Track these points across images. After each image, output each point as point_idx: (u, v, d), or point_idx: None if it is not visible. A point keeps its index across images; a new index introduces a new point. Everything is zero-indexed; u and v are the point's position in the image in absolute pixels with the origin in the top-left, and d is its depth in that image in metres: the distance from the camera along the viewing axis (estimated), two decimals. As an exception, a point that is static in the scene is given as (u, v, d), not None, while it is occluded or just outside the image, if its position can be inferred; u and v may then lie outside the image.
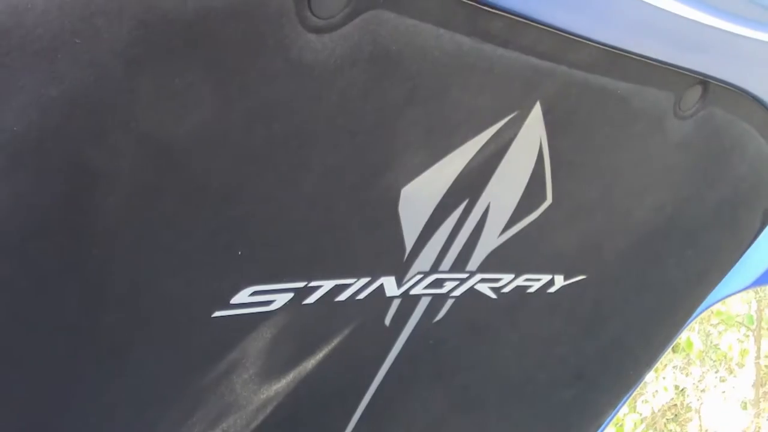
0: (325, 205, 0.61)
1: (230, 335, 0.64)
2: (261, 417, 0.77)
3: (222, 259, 0.59)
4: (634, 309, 0.98)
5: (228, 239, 0.58)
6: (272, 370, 0.71)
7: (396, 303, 0.74)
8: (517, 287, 0.81)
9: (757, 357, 6.79)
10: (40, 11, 0.41)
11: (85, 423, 0.67)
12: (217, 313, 0.61)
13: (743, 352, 6.91)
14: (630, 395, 1.16)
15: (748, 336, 6.87)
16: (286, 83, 0.51)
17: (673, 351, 7.06)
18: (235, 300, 0.61)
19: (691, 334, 6.50)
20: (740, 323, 6.67)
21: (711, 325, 6.90)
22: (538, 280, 0.82)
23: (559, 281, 0.84)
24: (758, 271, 1.10)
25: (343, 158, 0.58)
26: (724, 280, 1.07)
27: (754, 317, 6.53)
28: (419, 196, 0.65)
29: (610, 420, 1.20)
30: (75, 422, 0.66)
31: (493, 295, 0.79)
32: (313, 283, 0.65)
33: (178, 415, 0.71)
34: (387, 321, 0.76)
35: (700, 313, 1.12)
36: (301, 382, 0.74)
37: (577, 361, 1.00)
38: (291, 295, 0.64)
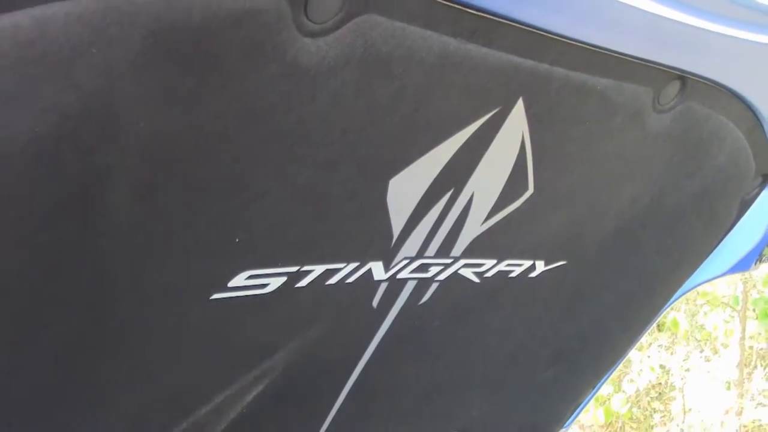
0: (317, 196, 0.64)
1: (227, 316, 0.67)
2: (254, 392, 0.80)
3: (221, 245, 0.62)
4: (613, 294, 1.01)
5: (227, 228, 0.61)
6: (265, 348, 0.74)
7: (383, 286, 0.77)
8: (500, 272, 0.84)
9: (742, 338, 6.84)
10: (61, 23, 0.44)
11: (85, 401, 0.70)
12: (216, 296, 0.64)
13: (728, 333, 6.96)
14: (608, 376, 1.20)
15: (733, 317, 6.92)
16: (283, 84, 0.54)
17: (659, 330, 7.12)
18: (232, 283, 0.64)
19: (677, 314, 6.55)
20: (726, 304, 6.71)
21: (697, 305, 6.95)
22: (520, 265, 0.85)
23: (540, 266, 0.87)
24: (735, 258, 1.14)
25: (335, 153, 0.62)
26: (702, 266, 1.11)
27: (740, 299, 6.58)
28: (406, 186, 0.68)
29: (590, 399, 1.25)
30: (74, 401, 0.69)
31: (476, 280, 0.82)
32: (306, 268, 0.69)
33: (175, 391, 0.74)
34: (375, 303, 0.79)
35: (678, 298, 1.16)
36: (293, 359, 0.77)
37: (557, 342, 1.03)
38: (284, 278, 0.67)
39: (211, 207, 0.59)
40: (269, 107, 0.55)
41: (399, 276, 0.77)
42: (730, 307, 6.73)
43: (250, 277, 0.64)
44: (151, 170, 0.54)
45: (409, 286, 0.79)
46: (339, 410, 0.90)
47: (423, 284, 0.80)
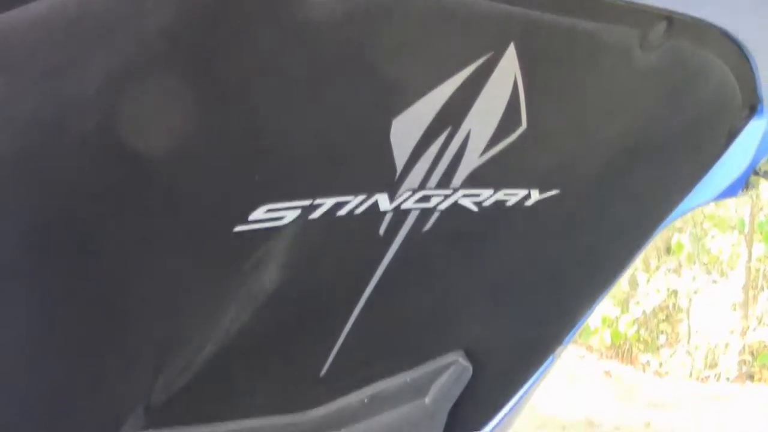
0: (327, 137, 0.71)
1: (248, 246, 0.74)
2: (270, 319, 0.87)
3: (242, 183, 0.69)
4: (605, 220, 1.07)
5: (247, 166, 0.68)
6: (283, 275, 0.82)
7: (389, 216, 0.84)
8: (497, 201, 0.90)
9: (748, 260, 6.91)
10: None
11: (113, 333, 0.78)
12: (238, 228, 0.71)
13: (734, 256, 7.02)
14: (603, 297, 1.28)
15: (740, 241, 6.98)
16: (294, 37, 0.61)
17: (667, 253, 7.20)
18: (252, 217, 0.71)
19: (682, 236, 6.62)
20: (733, 227, 6.77)
21: (704, 229, 7.01)
22: (515, 194, 0.91)
23: (535, 195, 0.93)
24: (723, 186, 1.20)
25: (343, 98, 0.68)
26: (691, 193, 1.17)
27: (746, 222, 6.63)
28: (408, 125, 0.74)
29: (585, 319, 1.32)
30: (104, 332, 0.77)
31: (475, 209, 0.89)
32: (317, 201, 0.76)
33: (197, 319, 0.82)
34: (381, 232, 0.86)
35: (668, 224, 1.22)
36: (308, 284, 0.85)
37: (552, 266, 1.10)
38: (299, 211, 0.74)
39: (232, 149, 0.66)
40: (281, 59, 0.62)
41: (403, 206, 0.83)
42: (737, 230, 6.78)
43: (269, 210, 0.71)
44: (181, 118, 0.61)
45: (413, 216, 0.86)
46: (349, 333, 0.97)
47: (425, 214, 0.86)
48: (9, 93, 0.54)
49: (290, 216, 0.73)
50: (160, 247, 0.70)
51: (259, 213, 0.71)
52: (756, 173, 1.21)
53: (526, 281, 1.10)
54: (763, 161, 1.20)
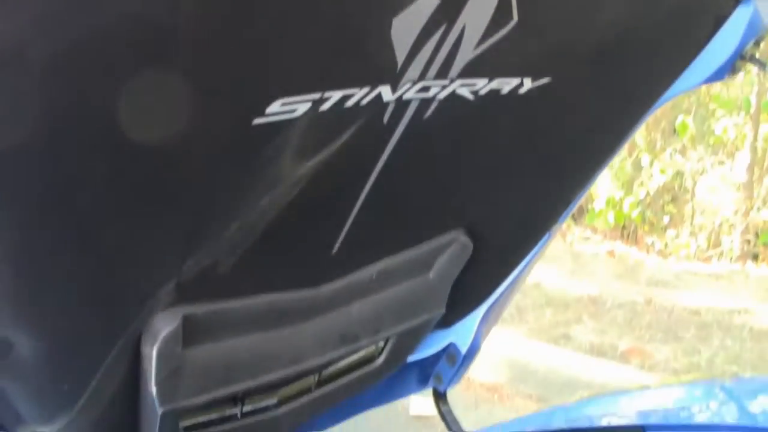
0: (335, 35, 0.78)
1: (266, 137, 0.82)
2: (288, 200, 0.94)
3: (259, 78, 0.77)
4: (595, 105, 1.13)
5: (264, 62, 0.76)
6: (297, 163, 0.89)
7: (391, 107, 0.90)
8: (491, 90, 0.97)
9: (754, 140, 6.92)
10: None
11: (148, 215, 0.84)
12: (257, 121, 0.79)
13: (740, 137, 7.03)
14: (594, 179, 1.35)
15: (747, 121, 6.98)
16: None
17: (674, 134, 7.21)
18: (269, 110, 0.78)
19: (687, 118, 6.62)
20: (739, 108, 6.75)
21: (709, 110, 6.99)
22: (509, 83, 0.97)
23: (527, 83, 0.99)
24: (711, 70, 1.25)
25: (346, 2, 0.75)
26: (679, 78, 1.23)
27: (752, 101, 6.61)
28: (407, 23, 0.81)
29: (580, 198, 1.40)
30: (134, 221, 0.84)
31: (471, 97, 0.96)
32: (326, 94, 0.82)
33: (223, 205, 0.89)
34: (384, 120, 0.92)
35: (657, 107, 1.29)
36: (320, 171, 0.92)
37: (545, 150, 1.16)
38: (310, 104, 0.81)
39: (247, 50, 0.73)
40: None
41: (404, 97, 0.90)
42: (744, 110, 6.77)
43: (284, 104, 0.78)
44: (203, 24, 0.68)
45: (413, 105, 0.92)
46: (357, 214, 1.04)
47: (425, 103, 0.93)
48: None
49: (302, 108, 0.80)
50: (193, 140, 0.78)
51: (274, 107, 0.77)
52: (742, 57, 1.26)
53: (522, 164, 1.17)
54: (749, 45, 1.25)
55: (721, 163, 7.42)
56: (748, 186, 7.04)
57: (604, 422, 1.82)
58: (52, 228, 0.80)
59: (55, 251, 0.83)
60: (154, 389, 1.04)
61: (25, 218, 0.77)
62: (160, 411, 1.07)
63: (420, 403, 3.96)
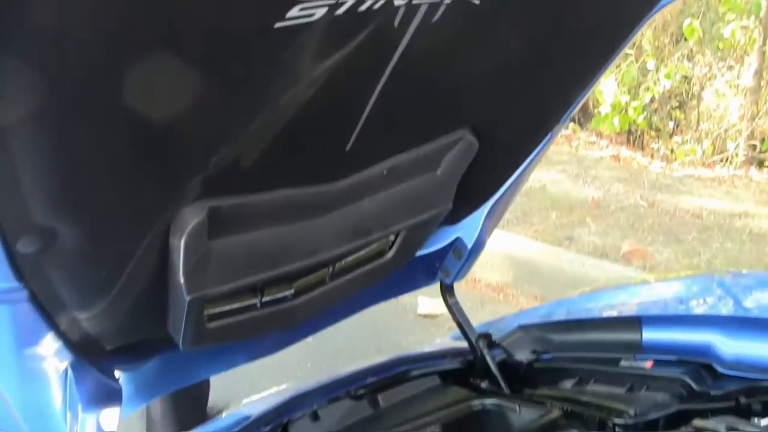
0: None
1: (286, 40, 0.88)
2: (306, 99, 0.98)
3: None
4: (593, 10, 1.18)
5: None
6: (315, 64, 0.94)
7: (402, 10, 0.94)
8: None
9: (763, 44, 6.86)
10: None
11: (181, 118, 0.89)
12: (278, 24, 0.85)
13: (750, 42, 6.96)
14: (594, 81, 1.41)
15: (757, 25, 6.89)
16: None
17: (683, 39, 7.14)
18: (289, 14, 0.84)
19: (695, 22, 6.55)
20: (749, 12, 6.66)
21: (718, 14, 6.90)
22: None
23: None
24: None
25: None
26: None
27: (763, 4, 6.51)
28: None
29: (580, 101, 1.46)
30: (174, 118, 0.89)
31: (477, 1, 1.01)
32: None
33: (247, 104, 0.94)
34: (395, 23, 0.96)
35: (659, 9, 1.33)
36: (335, 71, 0.97)
37: (546, 52, 1.20)
38: (326, 8, 0.87)
39: None
40: None
41: (414, 1, 0.95)
42: (753, 14, 6.67)
43: (302, 9, 0.84)
44: None
45: (422, 9, 0.96)
46: (370, 112, 1.09)
47: (433, 7, 0.97)
48: None
49: (319, 12, 0.85)
50: (218, 42, 0.84)
51: (294, 11, 0.83)
52: None
53: (524, 66, 1.21)
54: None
55: (731, 68, 7.36)
56: (755, 91, 7.01)
57: (603, 314, 1.92)
58: (90, 122, 0.86)
59: (93, 145, 0.89)
60: (181, 278, 1.12)
61: (64, 109, 0.82)
62: (187, 299, 1.15)
63: (427, 303, 4.10)
